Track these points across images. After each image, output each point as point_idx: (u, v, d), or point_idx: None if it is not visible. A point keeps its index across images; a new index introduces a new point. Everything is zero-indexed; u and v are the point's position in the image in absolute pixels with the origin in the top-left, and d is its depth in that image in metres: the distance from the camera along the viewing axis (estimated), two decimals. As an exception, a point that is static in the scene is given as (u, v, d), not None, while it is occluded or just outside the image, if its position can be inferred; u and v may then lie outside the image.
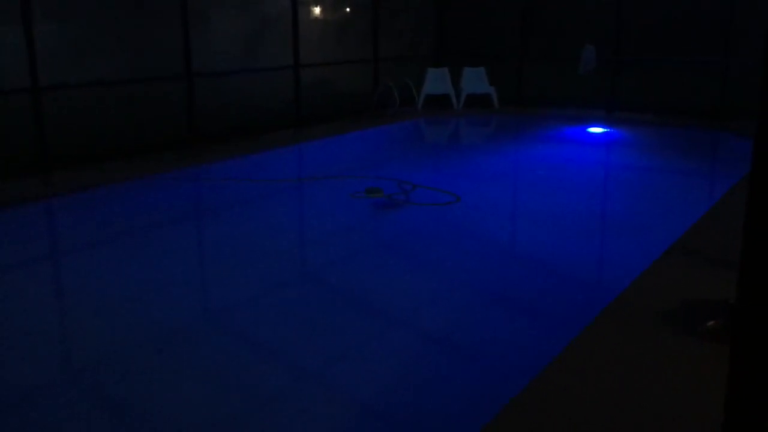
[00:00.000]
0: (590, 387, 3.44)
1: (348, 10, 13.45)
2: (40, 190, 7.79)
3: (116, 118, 9.29)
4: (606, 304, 4.45)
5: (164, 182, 8.40)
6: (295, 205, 8.34)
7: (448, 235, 6.76)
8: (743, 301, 1.58)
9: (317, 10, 12.68)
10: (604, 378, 3.53)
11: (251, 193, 8.22)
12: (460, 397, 3.74)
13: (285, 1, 11.68)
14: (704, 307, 4.24)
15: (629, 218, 7.22)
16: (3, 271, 5.85)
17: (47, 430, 3.49)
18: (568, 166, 9.85)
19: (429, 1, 15.11)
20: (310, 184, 8.85)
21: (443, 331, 4.61)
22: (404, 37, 14.58)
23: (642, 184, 8.95)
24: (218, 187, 8.41)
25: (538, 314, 4.86)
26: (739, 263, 1.58)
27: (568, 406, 3.27)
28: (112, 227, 6.92)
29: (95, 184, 8.03)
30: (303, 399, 3.75)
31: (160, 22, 9.89)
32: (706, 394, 3.29)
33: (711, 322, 3.92)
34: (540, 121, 13.24)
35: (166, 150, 9.67)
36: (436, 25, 15.22)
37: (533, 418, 3.19)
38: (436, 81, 13.86)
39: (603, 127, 12.53)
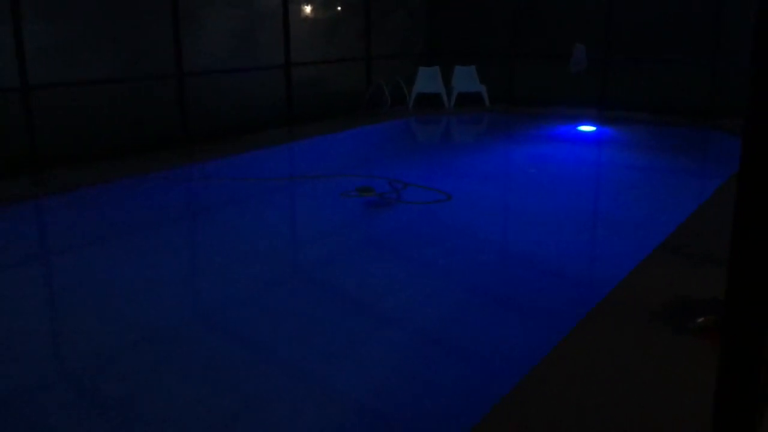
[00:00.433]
0: (581, 384, 3.46)
1: (339, 8, 13.43)
2: (30, 189, 7.76)
3: (107, 117, 9.25)
4: (597, 301, 4.47)
5: (156, 181, 8.38)
6: (286, 204, 8.33)
7: (439, 233, 6.77)
8: (732, 297, 1.59)
9: (308, 9, 12.66)
10: (595, 375, 3.55)
11: (243, 192, 8.22)
12: (453, 395, 3.75)
13: (276, 0, 11.66)
14: (694, 304, 4.26)
15: (620, 216, 7.25)
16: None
17: (40, 429, 3.48)
18: (559, 165, 9.88)
19: (421, 0, 15.11)
20: (301, 182, 8.85)
21: (436, 329, 4.62)
22: (396, 35, 14.58)
23: (633, 183, 8.98)
24: (210, 186, 8.40)
25: (530, 312, 4.88)
26: (729, 260, 1.59)
27: (558, 404, 3.28)
28: (103, 227, 6.90)
29: (86, 184, 8.00)
30: (296, 398, 3.75)
31: (151, 21, 9.85)
32: (697, 390, 3.31)
33: (701, 319, 3.94)
34: (531, 120, 13.27)
35: (157, 149, 9.65)
36: (427, 24, 15.23)
37: (524, 416, 3.20)
38: (427, 80, 13.87)
39: (594, 126, 12.57)
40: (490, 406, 3.26)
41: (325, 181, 8.52)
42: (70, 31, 8.95)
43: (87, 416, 3.63)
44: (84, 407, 3.75)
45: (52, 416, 3.59)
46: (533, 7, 14.20)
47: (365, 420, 3.63)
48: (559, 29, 13.72)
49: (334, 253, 6.28)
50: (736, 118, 11.00)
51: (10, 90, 8.07)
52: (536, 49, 14.19)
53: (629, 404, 3.26)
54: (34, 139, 8.28)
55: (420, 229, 6.86)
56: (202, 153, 9.65)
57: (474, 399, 3.68)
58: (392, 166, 9.38)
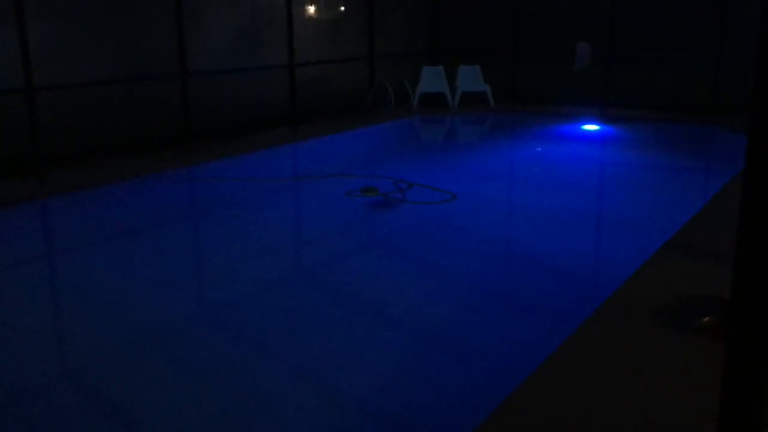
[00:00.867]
0: (586, 383, 3.45)
1: (343, 8, 13.43)
2: (34, 189, 7.77)
3: (111, 117, 9.26)
4: (602, 300, 4.45)
5: (159, 181, 8.39)
6: (290, 204, 8.33)
7: (444, 233, 6.76)
8: (738, 296, 1.58)
9: (312, 9, 12.66)
10: (600, 374, 3.54)
11: (246, 192, 8.21)
12: (457, 396, 3.74)
13: (280, 0, 11.66)
14: (699, 302, 4.24)
15: (624, 215, 7.24)
16: (-2, 271, 5.84)
17: (41, 429, 3.48)
18: (564, 164, 9.86)
19: (424, 0, 15.10)
20: (305, 182, 8.85)
21: (440, 329, 4.61)
22: (399, 35, 14.58)
23: (637, 181, 8.96)
24: (213, 186, 8.40)
25: (535, 311, 4.86)
26: (734, 259, 1.58)
27: (563, 403, 3.27)
28: (107, 226, 6.91)
29: (90, 184, 8.01)
30: (299, 398, 3.75)
31: (154, 20, 9.86)
32: (702, 389, 3.30)
33: (706, 318, 3.92)
34: (535, 119, 13.25)
35: (161, 149, 9.66)
36: (430, 23, 15.22)
37: (528, 416, 3.19)
38: (431, 79, 13.86)
39: (597, 124, 12.55)
40: (495, 406, 3.25)
41: (330, 181, 8.52)
42: (74, 32, 8.96)
43: (90, 416, 3.63)
44: (87, 407, 3.75)
45: (55, 416, 3.59)
46: (536, 6, 14.18)
47: (369, 420, 3.63)
48: (562, 28, 13.70)
49: (339, 254, 6.28)
50: (741, 115, 10.96)
51: (15, 91, 8.08)
52: (540, 47, 14.18)
53: (634, 404, 3.25)
54: (38, 140, 8.29)
55: (425, 229, 6.85)
56: (205, 153, 9.66)
57: (479, 399, 3.67)
58: (396, 166, 9.38)
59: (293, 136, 11.37)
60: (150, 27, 9.83)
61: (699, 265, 5.06)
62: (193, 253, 6.65)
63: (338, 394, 3.82)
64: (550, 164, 9.81)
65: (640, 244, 5.87)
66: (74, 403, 3.80)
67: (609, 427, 3.09)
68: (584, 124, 12.56)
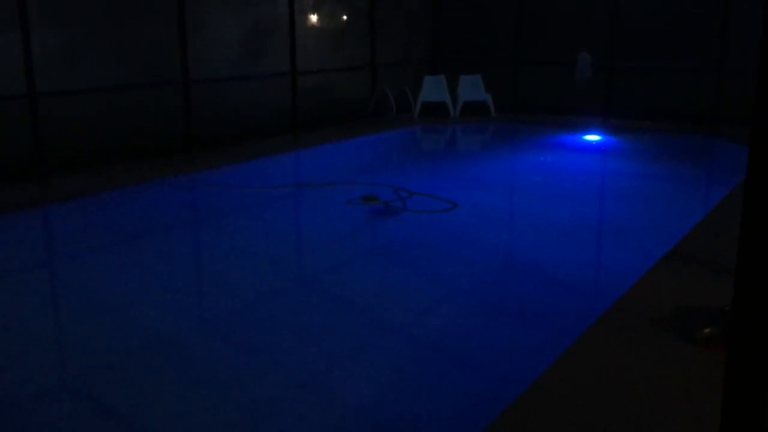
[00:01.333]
0: (586, 394, 3.44)
1: (345, 17, 13.47)
2: (36, 196, 7.78)
3: (113, 124, 9.28)
4: (602, 311, 4.45)
5: (161, 189, 8.39)
6: (292, 213, 8.34)
7: (445, 242, 6.76)
8: (739, 307, 1.58)
9: (314, 18, 12.69)
10: (601, 385, 3.53)
11: (248, 200, 8.22)
12: (457, 405, 3.73)
13: (282, 9, 11.70)
14: (700, 313, 4.24)
15: (625, 225, 7.23)
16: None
17: (42, 437, 3.48)
18: (565, 174, 9.86)
19: (425, 9, 15.14)
20: (307, 191, 8.85)
21: (440, 337, 4.61)
22: (401, 44, 14.61)
23: (638, 191, 8.95)
24: (215, 194, 8.40)
25: (536, 321, 4.86)
26: (735, 270, 1.58)
27: (564, 414, 3.26)
28: (108, 234, 6.90)
29: (92, 191, 8.01)
30: (299, 405, 3.74)
31: (157, 28, 9.89)
32: (703, 400, 3.29)
33: (707, 329, 3.92)
34: (536, 129, 13.26)
35: (163, 156, 9.67)
36: (432, 33, 15.25)
37: (529, 426, 3.18)
38: (432, 88, 13.88)
39: (599, 134, 12.55)
40: (496, 416, 3.24)
41: (331, 189, 8.52)
42: (77, 39, 8.99)
43: (92, 422, 3.63)
44: (88, 414, 3.75)
45: (57, 422, 3.59)
46: (537, 16, 14.21)
47: (369, 428, 3.62)
48: (563, 37, 13.73)
49: (340, 262, 6.27)
50: (743, 126, 10.96)
51: (18, 97, 8.10)
52: (541, 57, 14.20)
53: (635, 414, 3.24)
54: (41, 146, 8.31)
55: (426, 238, 6.84)
56: (207, 160, 9.67)
57: (479, 408, 3.66)
58: (398, 175, 9.38)
59: (295, 144, 11.38)
60: (153, 34, 9.85)
61: (700, 275, 5.06)
62: (194, 260, 6.65)
63: (338, 402, 3.81)
64: (552, 174, 9.81)
65: (641, 254, 5.86)
66: (75, 409, 3.79)
67: (609, 438, 3.08)
68: (586, 134, 12.57)
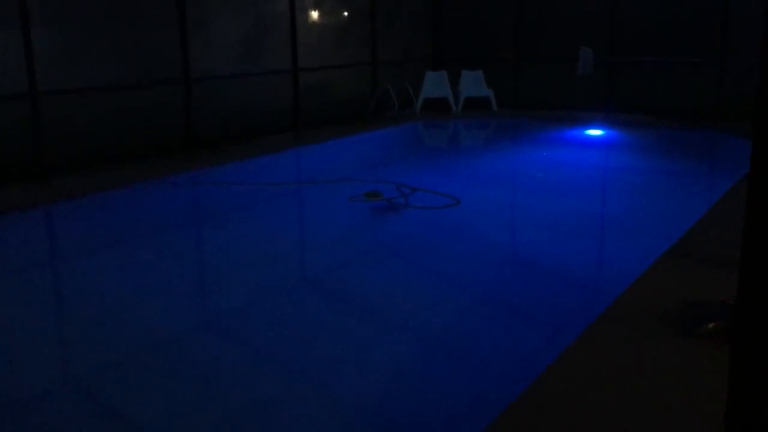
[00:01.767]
0: (590, 390, 3.44)
1: (346, 14, 13.46)
2: (37, 196, 7.78)
3: (115, 122, 9.28)
4: (605, 306, 4.45)
5: (163, 187, 8.39)
6: (294, 210, 8.34)
7: (448, 238, 6.75)
8: (743, 302, 1.58)
9: (315, 15, 12.68)
10: (604, 381, 3.53)
11: (250, 198, 8.22)
12: (460, 402, 3.73)
13: (283, 6, 11.69)
14: (704, 308, 4.23)
15: (628, 220, 7.23)
16: (0, 277, 5.84)
17: (46, 436, 3.49)
18: (567, 169, 9.85)
19: (426, 5, 15.12)
20: (309, 188, 8.85)
21: (443, 335, 4.61)
22: (402, 40, 14.60)
23: (640, 186, 8.95)
24: (217, 192, 8.41)
25: (538, 317, 4.85)
26: (739, 264, 1.58)
27: (567, 410, 3.26)
28: (110, 233, 6.91)
29: (93, 190, 8.02)
30: (302, 404, 3.74)
31: (158, 27, 9.88)
32: (707, 395, 3.29)
33: (711, 324, 3.91)
34: (538, 124, 13.25)
35: (164, 155, 9.68)
36: (433, 29, 15.24)
37: (532, 423, 3.18)
38: (434, 84, 13.87)
39: (601, 129, 12.54)
40: (499, 413, 3.24)
41: (333, 186, 8.52)
42: (78, 38, 8.98)
43: (92, 422, 3.63)
44: (89, 413, 3.75)
45: (58, 422, 3.59)
46: (538, 11, 14.19)
47: (371, 427, 3.62)
48: (565, 33, 13.71)
49: (343, 259, 6.27)
50: (745, 120, 10.95)
51: (19, 96, 8.10)
52: (542, 53, 14.19)
53: (638, 410, 3.24)
54: (42, 145, 8.31)
55: (429, 235, 6.84)
56: (208, 158, 9.67)
57: (482, 406, 3.67)
58: (400, 171, 9.38)
59: (297, 141, 11.38)
60: (153, 33, 9.85)
61: (703, 270, 5.05)
62: (196, 259, 6.66)
63: (340, 400, 3.81)
64: (554, 169, 9.80)
65: (643, 249, 5.85)
66: (77, 409, 3.80)
67: (613, 433, 3.08)
68: (587, 129, 12.56)
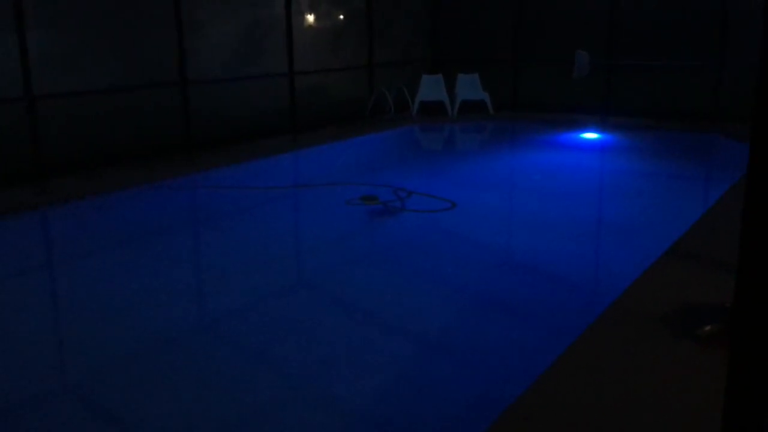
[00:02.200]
0: (588, 392, 3.44)
1: (342, 17, 13.47)
2: (35, 199, 7.76)
3: (111, 126, 9.27)
4: (603, 308, 4.45)
5: (160, 190, 8.38)
6: (290, 213, 8.33)
7: (444, 241, 6.75)
8: (741, 304, 1.58)
9: (312, 18, 12.68)
10: (603, 383, 3.53)
11: (247, 201, 8.21)
12: (458, 405, 3.73)
13: (279, 9, 11.69)
14: (702, 310, 4.23)
15: (625, 222, 7.23)
16: (-2, 280, 5.84)
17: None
18: (564, 172, 9.86)
19: (423, 8, 15.14)
20: (305, 191, 8.85)
21: (440, 338, 4.60)
22: (399, 43, 14.61)
23: (637, 189, 8.96)
24: (214, 195, 8.40)
25: (536, 320, 4.85)
26: (737, 266, 1.58)
27: (566, 412, 3.26)
28: (108, 236, 6.90)
29: (91, 193, 8.01)
30: (299, 407, 3.74)
31: (154, 30, 9.88)
32: (705, 397, 3.29)
33: (709, 326, 3.91)
34: (535, 127, 13.26)
35: (161, 158, 9.66)
36: (430, 32, 15.25)
37: (531, 425, 3.18)
38: (430, 88, 13.88)
39: (597, 132, 12.56)
40: (497, 415, 3.24)
41: (329, 189, 8.52)
42: (74, 41, 8.98)
43: (92, 425, 3.62)
44: (88, 417, 3.74)
45: (57, 425, 3.58)
46: (535, 14, 14.21)
47: (370, 429, 3.61)
48: (561, 36, 13.73)
49: (339, 262, 6.27)
50: (742, 122, 10.98)
51: (15, 99, 8.09)
52: (539, 55, 14.20)
53: (636, 412, 3.24)
54: (39, 148, 8.30)
55: (425, 238, 6.84)
56: (205, 161, 9.66)
57: (481, 407, 3.66)
58: (396, 175, 9.38)
59: (293, 145, 11.38)
60: (150, 36, 9.84)
61: (700, 273, 5.06)
62: (194, 262, 6.65)
63: (339, 402, 3.80)
64: (551, 172, 9.81)
65: (641, 252, 5.86)
66: (76, 412, 3.79)
67: (611, 436, 3.07)
68: (584, 132, 12.57)
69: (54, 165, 8.47)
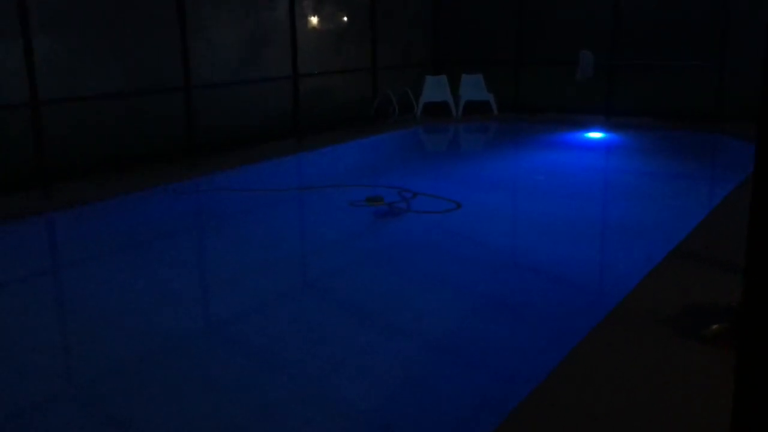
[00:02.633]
0: (594, 393, 3.43)
1: (345, 19, 13.47)
2: (40, 203, 7.78)
3: (116, 130, 9.28)
4: (609, 309, 4.44)
5: (165, 194, 8.39)
6: (295, 215, 8.33)
7: (449, 242, 6.75)
8: (747, 304, 1.57)
9: (315, 21, 12.69)
10: (608, 384, 3.52)
11: (251, 204, 8.22)
12: (464, 407, 3.73)
13: (283, 12, 11.70)
14: (708, 310, 4.22)
15: (630, 223, 7.22)
16: (3, 285, 5.84)
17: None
18: (568, 172, 9.85)
19: (426, 8, 15.14)
20: (310, 193, 8.85)
21: (446, 339, 4.60)
22: (402, 45, 14.61)
23: (642, 189, 8.94)
24: (218, 198, 8.41)
25: (542, 321, 4.85)
26: (743, 266, 1.57)
27: (571, 413, 3.25)
28: (113, 240, 6.91)
29: (95, 198, 8.02)
30: (306, 409, 3.74)
31: (158, 33, 9.89)
32: (712, 398, 3.28)
33: (715, 326, 3.90)
34: (539, 128, 13.25)
35: (165, 162, 9.67)
36: (433, 33, 15.25)
37: (537, 426, 3.17)
38: (434, 89, 13.88)
39: (602, 132, 12.54)
40: (503, 417, 3.23)
41: (334, 191, 8.52)
42: (79, 46, 8.99)
43: (98, 430, 3.62)
44: (94, 421, 3.74)
45: (61, 430, 3.58)
46: (538, 14, 14.20)
47: (375, 431, 3.61)
48: (565, 36, 13.71)
49: (344, 263, 6.27)
50: (745, 122, 10.95)
51: (20, 105, 8.11)
52: (543, 56, 14.19)
53: (642, 413, 3.23)
54: (43, 154, 8.31)
55: (430, 239, 6.84)
56: (210, 165, 9.67)
57: (486, 409, 3.66)
58: (401, 176, 9.37)
59: (297, 147, 11.38)
60: (154, 40, 9.86)
61: (706, 273, 5.04)
62: (198, 265, 6.66)
63: (345, 405, 3.80)
64: (555, 173, 9.80)
65: (646, 252, 5.85)
66: (81, 417, 3.79)
67: (618, 437, 3.07)
68: (588, 132, 12.55)
69: (59, 170, 8.48)
